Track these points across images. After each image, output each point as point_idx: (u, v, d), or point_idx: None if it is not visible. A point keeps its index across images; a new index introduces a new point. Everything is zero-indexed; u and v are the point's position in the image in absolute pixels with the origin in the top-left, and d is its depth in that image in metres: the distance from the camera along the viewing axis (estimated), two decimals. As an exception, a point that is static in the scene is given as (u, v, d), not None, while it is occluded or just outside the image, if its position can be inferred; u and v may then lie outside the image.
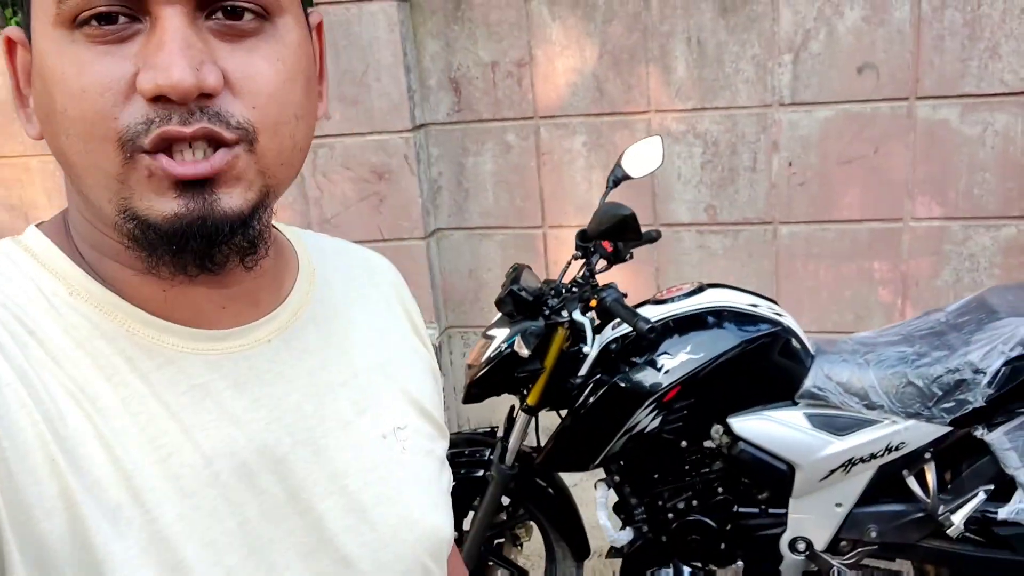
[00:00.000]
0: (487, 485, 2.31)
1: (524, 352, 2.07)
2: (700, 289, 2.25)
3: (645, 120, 3.17)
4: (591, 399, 2.14)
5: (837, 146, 3.01)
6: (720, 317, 2.13)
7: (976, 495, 2.07)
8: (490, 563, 2.50)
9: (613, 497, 2.30)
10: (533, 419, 2.26)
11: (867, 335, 2.26)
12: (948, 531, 2.08)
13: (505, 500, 2.40)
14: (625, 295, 2.10)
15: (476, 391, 2.24)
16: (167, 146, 0.54)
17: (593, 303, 2.07)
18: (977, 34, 2.79)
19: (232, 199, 0.56)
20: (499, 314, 2.25)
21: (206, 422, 0.60)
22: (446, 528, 0.74)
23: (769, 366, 2.13)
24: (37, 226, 0.64)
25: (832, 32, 2.91)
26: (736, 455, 2.14)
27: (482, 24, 3.24)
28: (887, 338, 2.20)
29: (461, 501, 2.40)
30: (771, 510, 2.22)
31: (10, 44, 0.61)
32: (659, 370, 2.10)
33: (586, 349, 2.18)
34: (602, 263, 2.30)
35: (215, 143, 0.54)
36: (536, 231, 3.41)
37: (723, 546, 2.25)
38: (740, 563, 2.26)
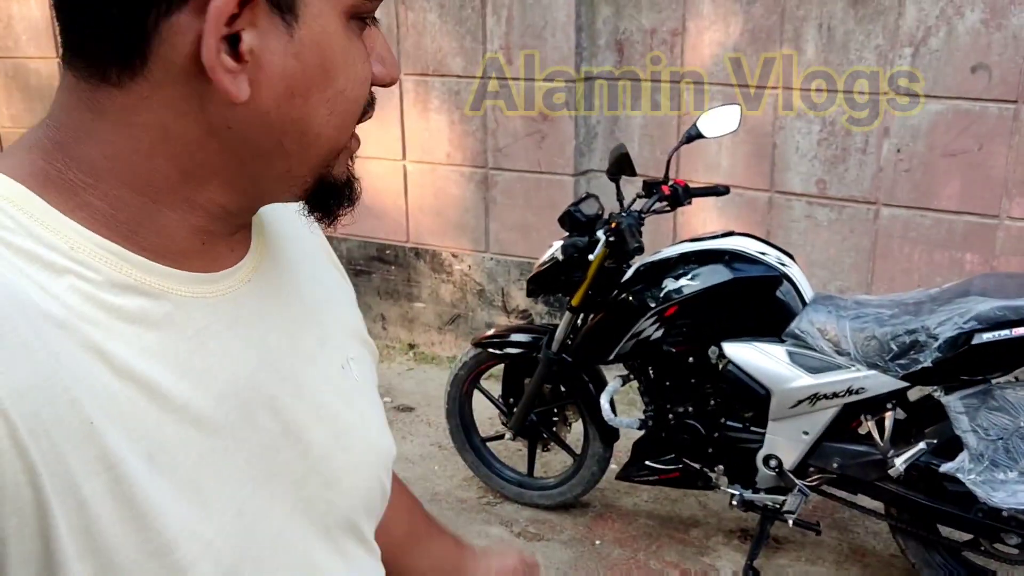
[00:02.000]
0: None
1: (560, 258, 2.64)
2: (727, 234, 2.68)
3: (774, 95, 3.51)
4: (611, 305, 2.67)
5: (944, 139, 3.20)
6: (726, 256, 2.56)
7: (918, 445, 2.36)
8: (544, 437, 3.11)
9: (622, 389, 2.82)
10: (578, 316, 2.81)
11: (867, 297, 2.58)
12: (890, 471, 2.39)
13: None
14: (642, 222, 2.58)
15: (532, 287, 2.84)
16: None
17: (613, 225, 2.58)
18: (1093, 46, 2.87)
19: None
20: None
21: (212, 364, 0.63)
22: (394, 447, 0.82)
23: (760, 304, 2.54)
24: (6, 172, 0.59)
25: (952, 31, 3.09)
26: (724, 374, 2.58)
27: (647, -5, 3.72)
28: (879, 301, 2.51)
29: (521, 374, 3.03)
30: (752, 427, 2.63)
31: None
32: (662, 289, 2.58)
33: (627, 270, 2.70)
34: (662, 204, 2.77)
35: None
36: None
37: (710, 450, 2.70)
38: (721, 467, 2.69)
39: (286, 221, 0.77)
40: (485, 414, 3.36)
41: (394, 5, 4.16)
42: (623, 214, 2.61)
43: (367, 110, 0.64)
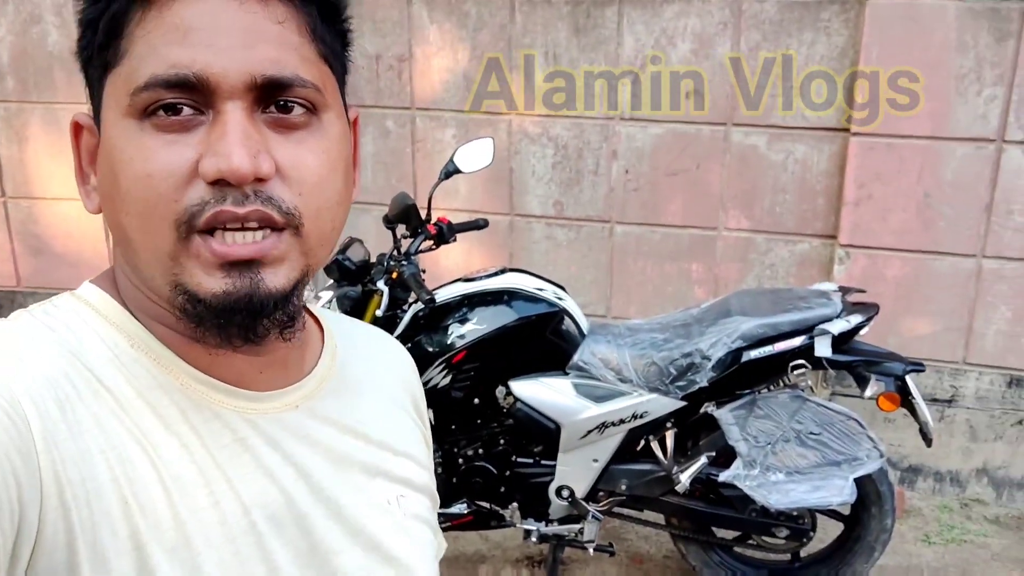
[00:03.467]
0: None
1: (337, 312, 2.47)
2: (501, 272, 2.66)
3: (507, 120, 3.57)
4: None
5: (666, 159, 3.44)
6: (506, 296, 2.55)
7: (699, 459, 2.51)
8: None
9: None
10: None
11: (636, 322, 2.70)
12: (677, 487, 2.53)
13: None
14: (424, 271, 2.50)
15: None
16: (218, 228, 0.60)
17: (394, 275, 2.47)
18: (786, 74, 3.22)
19: (276, 278, 0.62)
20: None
21: (245, 474, 0.65)
22: None
23: (544, 340, 2.56)
24: (91, 282, 0.69)
25: (667, 59, 3.32)
26: (514, 412, 2.56)
27: (369, 19, 3.60)
28: (650, 325, 2.64)
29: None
30: (543, 461, 2.64)
31: (77, 128, 0.67)
32: (449, 336, 2.51)
33: (401, 316, 2.59)
34: (428, 243, 2.69)
35: (266, 225, 0.60)
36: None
37: (503, 489, 2.68)
38: (515, 504, 2.69)
39: (369, 359, 0.83)
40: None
41: (72, 26, 3.65)
42: (401, 261, 2.50)
43: (195, 213, 0.59)
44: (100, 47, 0.62)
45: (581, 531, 2.63)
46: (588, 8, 3.36)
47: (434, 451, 2.62)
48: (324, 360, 0.75)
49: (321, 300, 2.59)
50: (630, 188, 3.51)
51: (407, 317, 2.59)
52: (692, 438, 2.63)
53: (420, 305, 2.61)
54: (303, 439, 0.70)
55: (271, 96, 0.61)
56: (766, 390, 2.49)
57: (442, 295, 2.62)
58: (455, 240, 2.77)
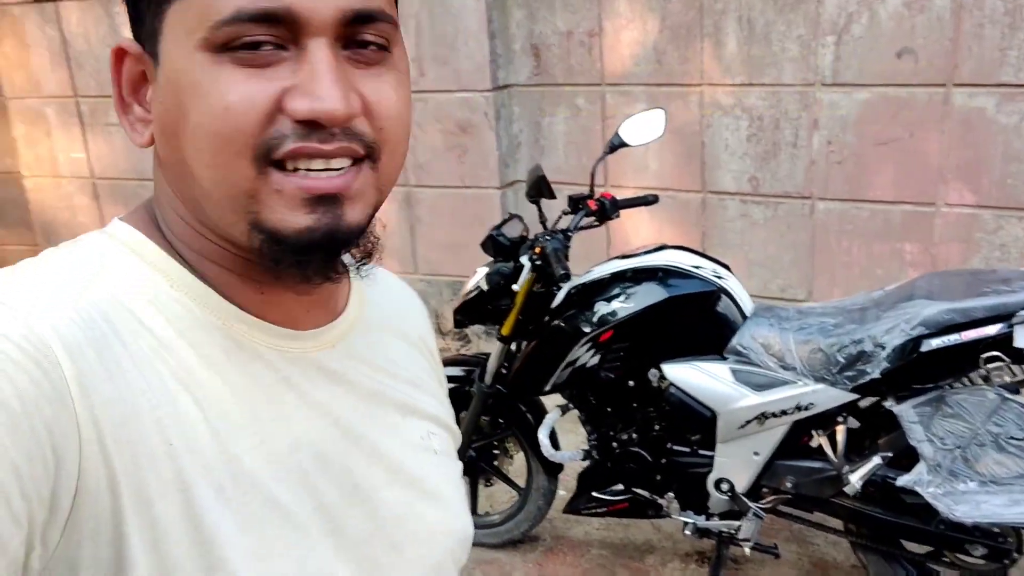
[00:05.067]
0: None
1: (484, 287, 2.46)
2: (659, 248, 2.52)
3: (698, 92, 3.38)
4: (543, 334, 2.49)
5: (874, 128, 3.09)
6: (659, 274, 2.41)
7: (873, 460, 2.23)
8: (486, 472, 2.93)
9: (563, 417, 2.65)
10: (510, 345, 2.63)
11: (809, 305, 2.45)
12: (845, 488, 2.27)
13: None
14: (568, 242, 2.41)
15: (459, 318, 2.66)
16: (298, 163, 0.58)
17: (538, 250, 2.41)
18: (1018, 23, 2.78)
19: (355, 213, 0.60)
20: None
21: (290, 412, 0.65)
22: (471, 529, 0.81)
23: (699, 321, 2.39)
24: (122, 219, 0.67)
25: (874, 16, 2.98)
26: (667, 397, 2.42)
27: (560, -4, 3.56)
28: (823, 309, 2.38)
29: (455, 409, 2.84)
30: (700, 451, 2.48)
31: (120, 54, 0.63)
32: (595, 313, 2.41)
33: (556, 293, 2.53)
34: (589, 220, 2.60)
35: (351, 157, 0.59)
36: (598, 188, 3.71)
37: (659, 477, 2.54)
38: (671, 493, 2.54)
39: (394, 299, 0.84)
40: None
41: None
42: (547, 236, 2.44)
43: (273, 146, 0.57)
44: None
45: (739, 528, 2.44)
46: (785, -34, 3.10)
47: (589, 433, 2.56)
48: (354, 300, 0.75)
49: (476, 276, 2.60)
50: (833, 161, 3.20)
51: (561, 294, 2.53)
52: (869, 435, 2.35)
53: (576, 282, 2.54)
54: (340, 378, 0.70)
55: (354, 32, 0.59)
56: (952, 385, 2.17)
57: (595, 273, 2.53)
58: (618, 216, 2.66)
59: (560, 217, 2.63)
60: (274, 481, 0.63)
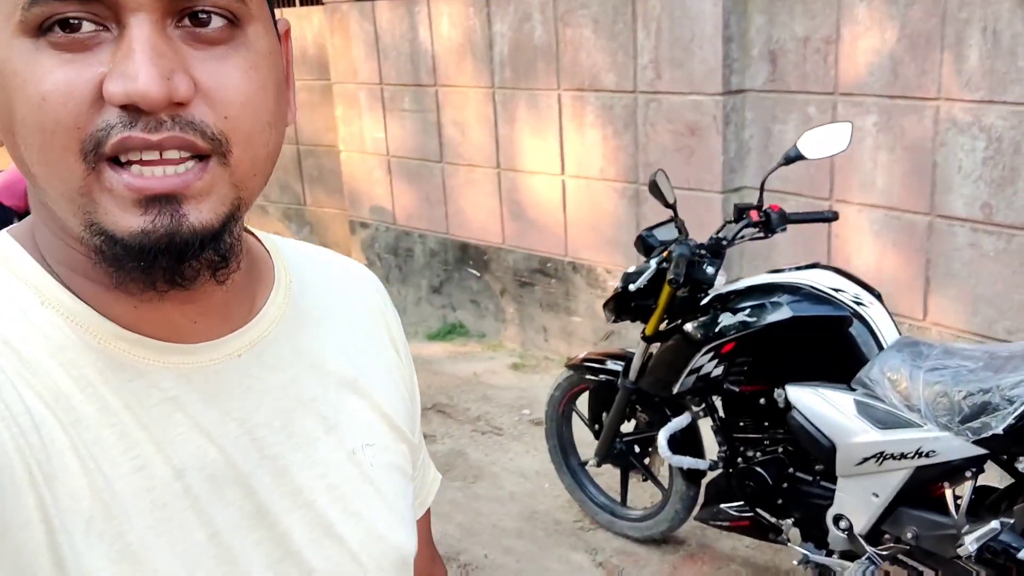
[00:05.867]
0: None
1: (630, 287, 2.54)
2: (811, 266, 2.44)
3: (934, 107, 3.11)
4: (669, 338, 2.52)
5: None
6: (793, 292, 2.33)
7: (990, 523, 2.01)
8: (635, 467, 3.00)
9: (681, 426, 2.65)
10: (649, 346, 2.68)
11: (959, 345, 2.23)
12: (959, 550, 2.06)
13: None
14: (697, 250, 2.41)
15: (609, 314, 2.76)
16: (132, 159, 0.53)
17: (666, 254, 2.43)
18: None
19: (202, 213, 0.55)
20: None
21: (176, 435, 0.60)
22: (410, 544, 0.75)
23: (825, 345, 2.28)
24: (7, 231, 0.63)
25: None
26: (788, 420, 2.35)
27: (800, 1, 3.44)
28: (971, 351, 2.16)
29: (603, 402, 2.95)
30: (823, 482, 2.37)
31: None
32: (719, 324, 2.39)
33: (703, 299, 2.55)
34: (750, 231, 2.57)
35: (188, 152, 0.54)
36: (823, 202, 3.56)
37: (780, 501, 2.47)
38: (791, 520, 2.45)
39: (340, 285, 0.77)
40: (588, 437, 3.30)
41: (553, 22, 4.19)
42: (681, 243, 2.47)
43: (101, 138, 0.52)
44: None
45: (845, 570, 2.30)
46: (1040, -29, 2.76)
47: (720, 444, 2.55)
48: (275, 298, 0.69)
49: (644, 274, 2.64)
50: (1079, 193, 2.80)
51: (705, 302, 2.54)
52: (1008, 498, 2.10)
53: (721, 288, 2.53)
54: (247, 391, 0.64)
55: (184, 5, 0.54)
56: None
57: (739, 283, 2.51)
58: (784, 230, 2.60)
59: (724, 225, 2.62)
60: (154, 508, 0.58)
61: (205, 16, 0.54)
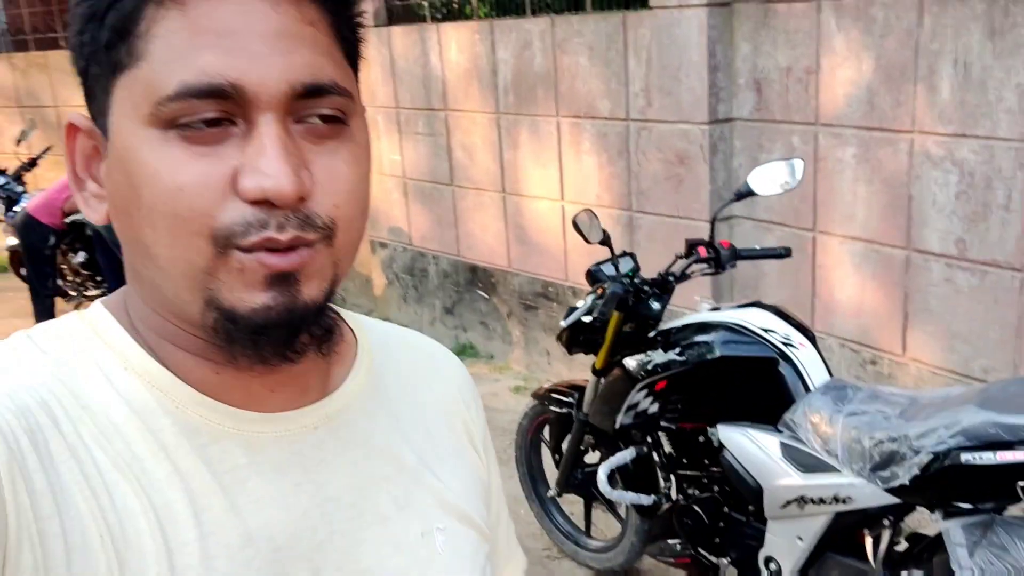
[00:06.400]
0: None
1: (562, 323, 2.58)
2: (751, 305, 2.43)
3: (908, 139, 3.07)
4: (612, 372, 2.54)
5: (1098, 197, 2.59)
6: (726, 331, 2.33)
7: (903, 574, 1.98)
8: (596, 499, 3.02)
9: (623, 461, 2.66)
10: (599, 380, 2.70)
11: (886, 389, 2.20)
12: (873, 600, 2.04)
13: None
14: (628, 291, 2.42)
15: (562, 346, 2.79)
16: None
17: (599, 291, 2.45)
18: None
19: (311, 289, 0.58)
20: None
21: (247, 503, 0.61)
22: None
23: (753, 385, 2.28)
24: (101, 301, 0.67)
25: (1104, 65, 2.50)
26: (720, 460, 2.35)
27: (783, 31, 3.42)
28: (896, 396, 2.14)
29: (563, 432, 2.98)
30: (755, 522, 2.36)
31: (72, 130, 0.63)
32: (652, 361, 2.41)
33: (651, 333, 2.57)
34: (699, 266, 2.58)
35: (306, 245, 0.58)
36: (807, 233, 3.52)
37: (717, 540, 2.46)
38: (726, 560, 2.45)
39: (413, 374, 0.78)
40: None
41: (551, 50, 4.23)
42: (616, 280, 2.49)
43: (240, 230, 0.56)
44: (107, 45, 0.57)
45: (772, 613, 2.29)
46: (1007, 5, 2.70)
47: (664, 480, 2.57)
48: (356, 375, 0.71)
49: (579, 310, 2.70)
50: (1049, 231, 2.73)
51: (653, 334, 2.55)
52: (928, 549, 2.07)
53: (662, 327, 2.55)
54: (320, 464, 0.65)
55: (306, 106, 0.58)
56: (1000, 511, 1.85)
57: (679, 320, 2.52)
58: (734, 266, 2.60)
59: (675, 261, 2.64)
60: (220, 575, 0.59)
61: (320, 114, 0.59)
